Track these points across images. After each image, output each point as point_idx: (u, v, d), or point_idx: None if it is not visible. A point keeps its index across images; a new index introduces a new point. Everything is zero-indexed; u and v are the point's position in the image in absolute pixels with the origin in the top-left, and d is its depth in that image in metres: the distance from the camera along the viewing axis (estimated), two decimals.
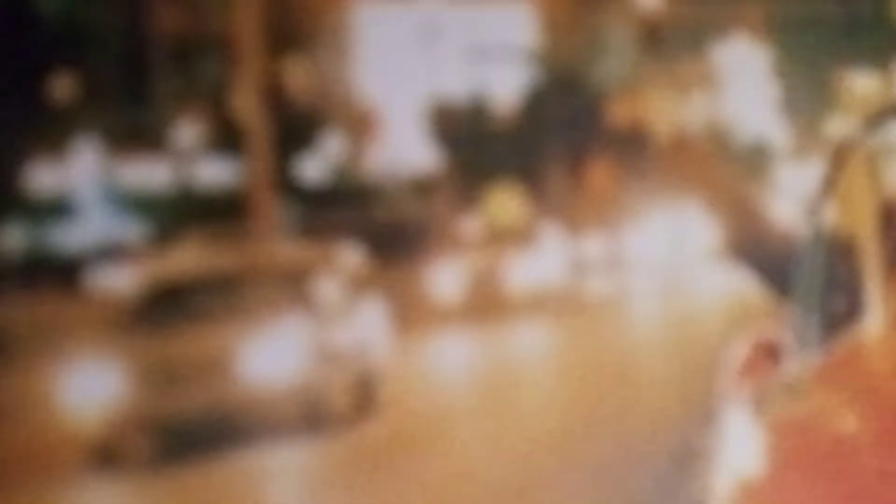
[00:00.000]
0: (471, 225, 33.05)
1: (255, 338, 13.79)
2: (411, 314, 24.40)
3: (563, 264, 32.37)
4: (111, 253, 30.34)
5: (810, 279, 2.83)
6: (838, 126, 38.92)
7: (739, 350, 3.14)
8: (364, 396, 14.96)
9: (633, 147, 35.27)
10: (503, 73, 41.14)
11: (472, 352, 22.24)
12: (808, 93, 42.44)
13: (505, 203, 37.21)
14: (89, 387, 13.51)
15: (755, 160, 42.75)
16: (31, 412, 16.07)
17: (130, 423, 13.42)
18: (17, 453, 14.32)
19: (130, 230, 33.80)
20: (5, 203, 32.00)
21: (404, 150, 38.78)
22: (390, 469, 11.47)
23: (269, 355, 13.66)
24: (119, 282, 14.90)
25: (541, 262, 29.85)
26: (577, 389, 15.50)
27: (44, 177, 33.41)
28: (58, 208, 33.44)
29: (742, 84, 45.36)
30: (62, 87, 33.03)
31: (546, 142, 40.29)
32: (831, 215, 2.85)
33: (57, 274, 29.89)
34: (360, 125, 38.32)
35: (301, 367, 13.88)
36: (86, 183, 33.93)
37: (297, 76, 35.98)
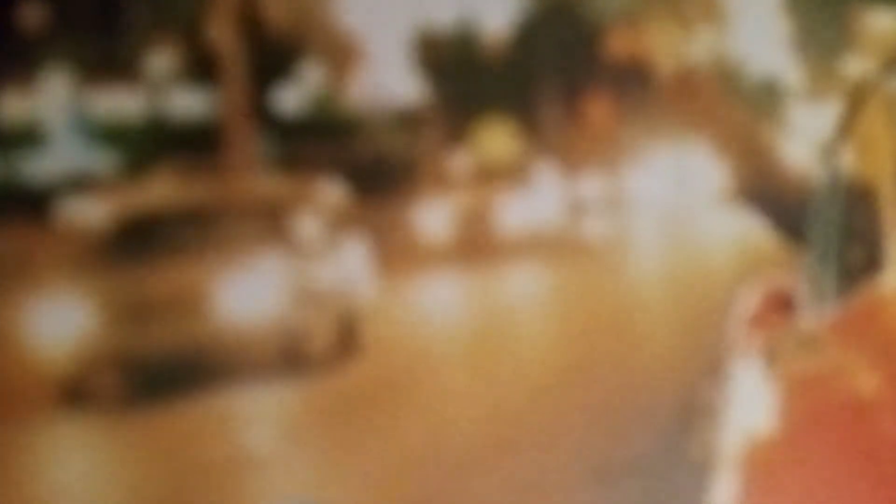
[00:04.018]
0: (460, 161, 32.97)
1: (230, 274, 13.79)
2: (396, 254, 24.40)
3: (558, 204, 32.34)
4: (82, 184, 30.32)
5: (826, 227, 2.80)
6: (856, 65, 38.59)
7: (750, 299, 3.11)
8: (346, 338, 14.98)
9: (633, 81, 35.16)
10: None
11: (461, 294, 22.24)
12: (823, 29, 42.00)
13: (496, 138, 37.12)
14: (58, 322, 13.54)
15: (766, 99, 42.50)
16: (0, 347, 16.10)
17: (101, 361, 13.45)
18: None
19: (101, 161, 33.78)
20: None
21: (388, 81, 38.64)
22: (373, 414, 11.49)
23: (246, 293, 13.66)
24: (89, 214, 14.87)
25: (535, 202, 29.79)
26: (573, 337, 15.51)
27: (13, 106, 33.34)
28: (27, 138, 33.40)
29: (751, 18, 45.02)
30: (32, 15, 32.86)
31: (540, 74, 40.14)
32: (848, 159, 2.82)
33: (26, 205, 29.90)
34: (342, 54, 38.14)
35: (279, 306, 13.89)
36: (56, 113, 33.86)
37: (275, 2, 35.77)
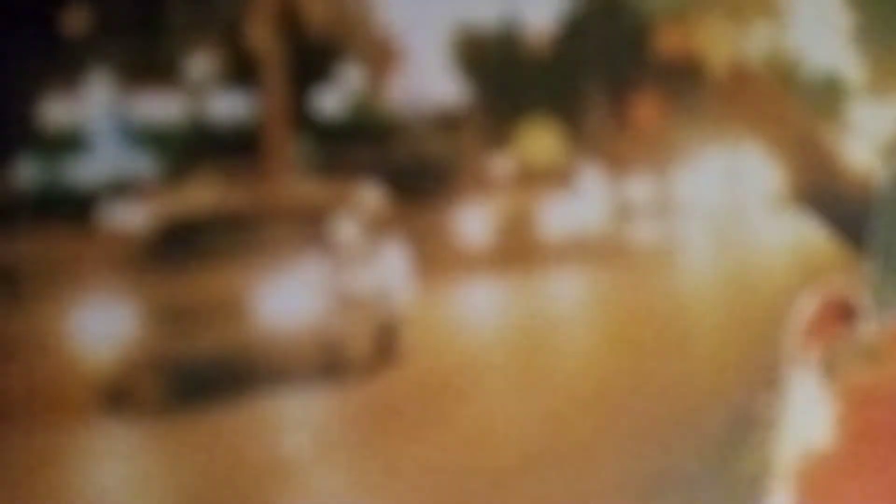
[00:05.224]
0: (502, 164, 32.90)
1: (270, 279, 13.80)
2: (436, 259, 24.35)
3: (604, 208, 32.21)
4: (124, 188, 30.47)
5: (889, 231, 2.71)
6: None
7: (807, 307, 3.01)
8: (385, 344, 14.94)
9: (684, 80, 34.97)
10: None
11: (503, 301, 22.16)
12: (887, 22, 41.45)
13: (540, 140, 37.02)
14: (101, 326, 13.61)
15: (826, 97, 42.05)
16: (43, 351, 16.16)
17: (142, 364, 13.51)
18: (29, 392, 14.39)
19: (143, 165, 33.93)
20: (18, 137, 32.13)
21: (429, 82, 38.62)
22: (411, 420, 11.44)
23: (285, 297, 13.66)
24: (132, 218, 14.96)
25: (579, 206, 29.66)
26: (619, 345, 15.40)
27: (57, 110, 33.55)
28: (71, 142, 33.61)
29: (811, 11, 44.54)
30: (75, 18, 33.04)
31: (586, 73, 40.03)
32: None
33: (69, 209, 30.07)
34: (381, 56, 38.16)
35: (318, 311, 13.89)
36: (99, 116, 34.05)
37: (314, 4, 35.83)
